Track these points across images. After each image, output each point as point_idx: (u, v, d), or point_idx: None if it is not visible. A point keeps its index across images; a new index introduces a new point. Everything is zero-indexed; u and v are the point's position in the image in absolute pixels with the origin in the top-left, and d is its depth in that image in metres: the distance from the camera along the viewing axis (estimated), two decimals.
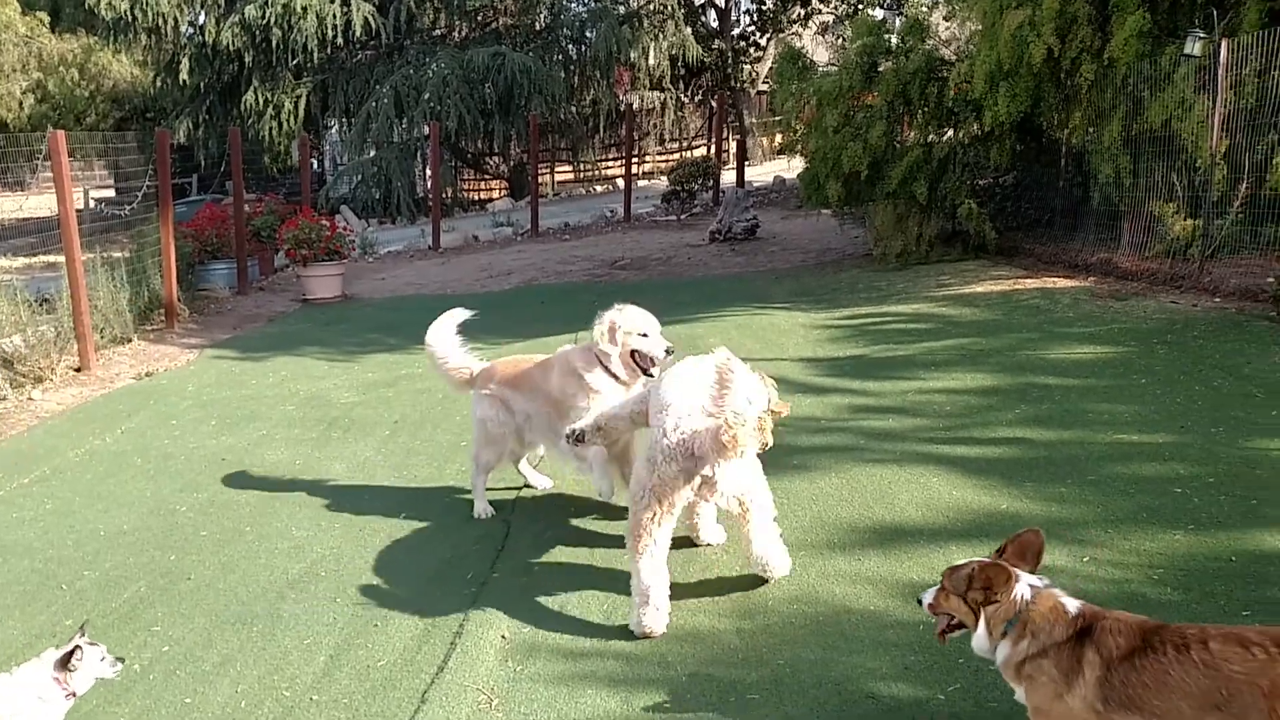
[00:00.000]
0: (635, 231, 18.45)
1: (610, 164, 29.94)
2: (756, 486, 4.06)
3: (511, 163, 27.87)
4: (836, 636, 3.76)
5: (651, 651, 3.81)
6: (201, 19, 25.61)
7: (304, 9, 23.54)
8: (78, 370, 9.58)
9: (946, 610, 2.93)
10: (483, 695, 3.64)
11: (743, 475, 3.97)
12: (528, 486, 5.58)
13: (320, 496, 5.82)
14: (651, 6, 25.88)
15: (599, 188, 28.76)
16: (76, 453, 7.06)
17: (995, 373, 6.83)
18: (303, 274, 13.58)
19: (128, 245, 12.13)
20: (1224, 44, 8.38)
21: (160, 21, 24.42)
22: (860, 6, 23.35)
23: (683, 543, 4.51)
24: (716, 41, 27.62)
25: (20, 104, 32.19)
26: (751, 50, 28.11)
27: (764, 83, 27.08)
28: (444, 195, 22.84)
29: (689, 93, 28.97)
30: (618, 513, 4.93)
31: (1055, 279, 9.53)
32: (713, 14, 28.57)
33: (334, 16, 23.84)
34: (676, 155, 28.36)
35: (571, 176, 30.24)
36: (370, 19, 24.33)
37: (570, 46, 26.45)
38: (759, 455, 4.00)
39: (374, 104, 23.80)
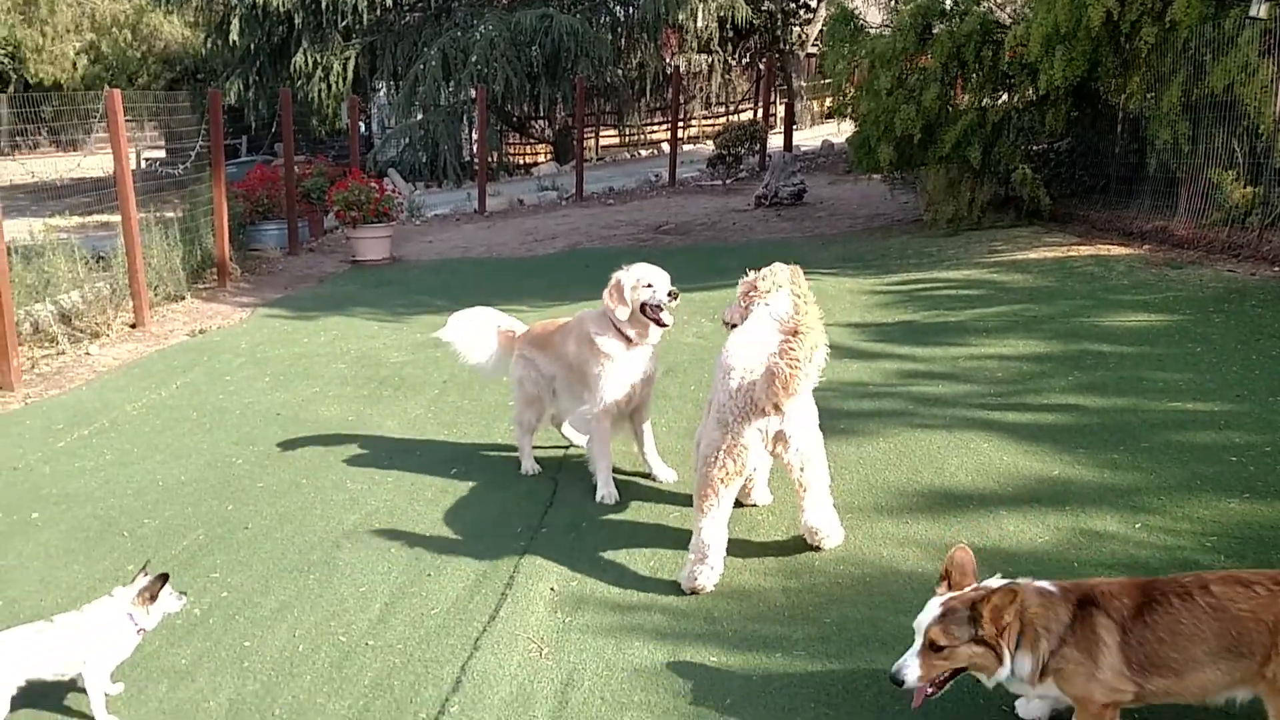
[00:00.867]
0: (680, 196, 18.37)
1: (655, 128, 29.75)
2: (817, 455, 4.07)
3: (557, 127, 27.77)
4: (884, 597, 3.77)
5: (698, 607, 3.86)
6: None
7: None
8: (133, 326, 9.80)
9: (951, 667, 2.76)
10: (533, 644, 3.71)
11: (811, 432, 4.00)
12: (575, 445, 5.63)
13: (373, 451, 5.93)
14: None
15: (644, 152, 28.63)
16: (134, 406, 7.22)
17: (1048, 339, 6.74)
18: (352, 236, 13.71)
19: (180, 205, 12.31)
20: None
21: None
22: None
23: None
24: (766, 3, 27.21)
25: (74, 65, 32.64)
26: (801, 12, 27.70)
27: (813, 45, 26.72)
28: (489, 159, 22.84)
29: (736, 55, 28.65)
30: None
31: (1110, 246, 9.36)
32: None
33: None
34: (723, 119, 28.12)
35: (616, 141, 30.12)
36: None
37: (618, 8, 26.20)
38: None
39: (421, 66, 23.78)
